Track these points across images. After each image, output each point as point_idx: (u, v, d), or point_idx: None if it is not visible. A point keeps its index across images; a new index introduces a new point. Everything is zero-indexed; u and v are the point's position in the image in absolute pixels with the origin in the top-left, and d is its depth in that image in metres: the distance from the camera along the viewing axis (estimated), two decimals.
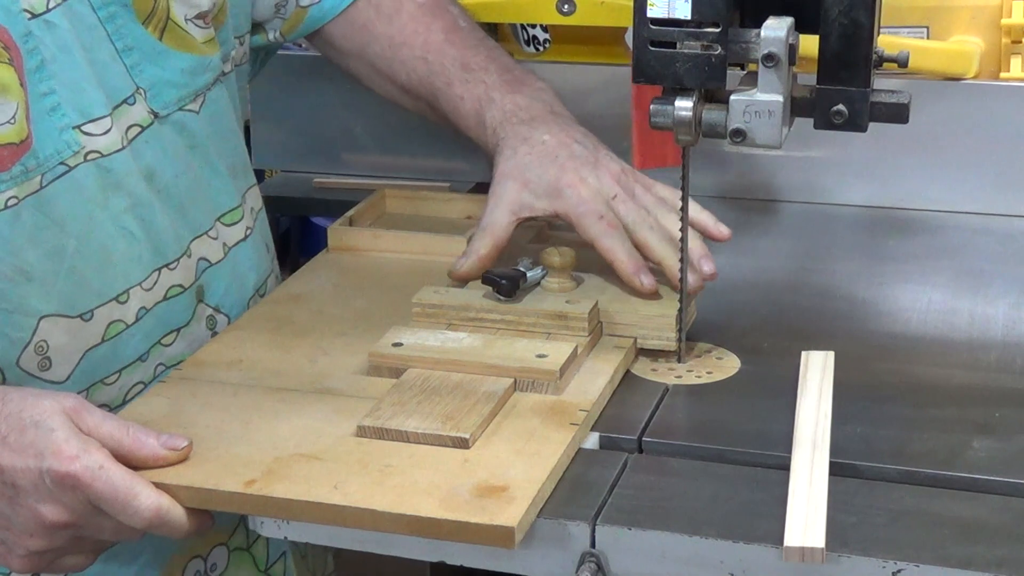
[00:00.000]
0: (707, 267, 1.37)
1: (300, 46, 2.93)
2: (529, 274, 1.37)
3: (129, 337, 1.35)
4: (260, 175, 2.07)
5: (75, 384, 1.31)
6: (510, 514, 1.08)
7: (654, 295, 1.36)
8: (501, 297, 1.35)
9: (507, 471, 1.14)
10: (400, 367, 1.28)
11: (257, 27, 1.59)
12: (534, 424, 1.21)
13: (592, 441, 1.22)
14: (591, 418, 1.23)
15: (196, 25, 1.40)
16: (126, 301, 1.34)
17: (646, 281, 1.36)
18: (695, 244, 1.38)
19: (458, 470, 1.14)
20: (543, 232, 1.56)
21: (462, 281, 1.42)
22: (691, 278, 1.35)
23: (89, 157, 1.29)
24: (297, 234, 1.76)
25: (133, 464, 1.15)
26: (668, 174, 1.40)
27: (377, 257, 1.56)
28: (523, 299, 1.36)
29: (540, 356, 1.27)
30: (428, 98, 1.59)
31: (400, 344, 1.30)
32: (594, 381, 1.28)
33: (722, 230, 1.42)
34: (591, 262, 1.43)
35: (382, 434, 1.19)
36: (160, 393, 1.28)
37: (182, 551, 1.41)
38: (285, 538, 1.18)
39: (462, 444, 1.17)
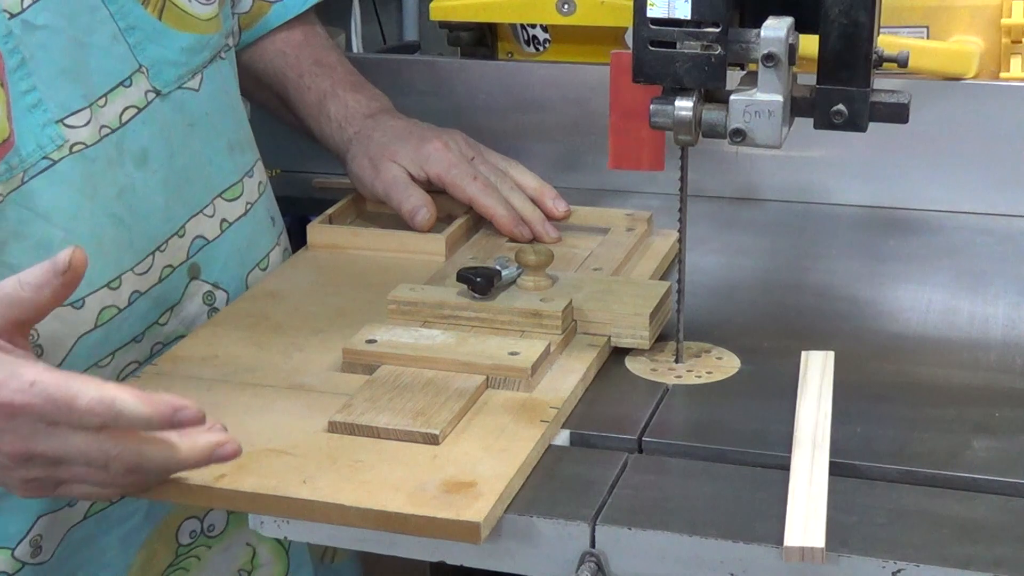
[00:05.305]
0: (552, 233, 1.56)
1: None
2: (504, 272, 1.37)
3: (122, 321, 1.37)
4: None
5: (69, 369, 1.29)
6: (476, 509, 1.08)
7: (532, 240, 1.54)
8: (476, 295, 1.35)
9: (475, 467, 1.14)
10: (373, 364, 1.28)
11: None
12: (505, 421, 1.21)
13: (563, 438, 1.22)
14: (562, 415, 1.23)
15: (200, 3, 1.44)
16: (118, 287, 1.36)
17: (525, 232, 1.55)
18: (532, 211, 1.58)
19: (427, 466, 1.14)
20: None
21: (428, 229, 1.56)
22: (551, 232, 1.56)
23: (74, 149, 1.31)
24: (297, 234, 1.77)
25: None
26: (643, 176, 1.42)
27: (355, 254, 1.57)
28: (498, 297, 1.36)
29: (512, 353, 1.27)
30: (279, 88, 1.66)
31: (374, 341, 1.30)
32: (566, 379, 1.27)
33: (560, 206, 1.59)
34: (567, 262, 1.48)
35: (353, 430, 1.19)
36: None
37: (176, 511, 1.42)
38: (285, 537, 1.18)
39: (432, 440, 1.17)
